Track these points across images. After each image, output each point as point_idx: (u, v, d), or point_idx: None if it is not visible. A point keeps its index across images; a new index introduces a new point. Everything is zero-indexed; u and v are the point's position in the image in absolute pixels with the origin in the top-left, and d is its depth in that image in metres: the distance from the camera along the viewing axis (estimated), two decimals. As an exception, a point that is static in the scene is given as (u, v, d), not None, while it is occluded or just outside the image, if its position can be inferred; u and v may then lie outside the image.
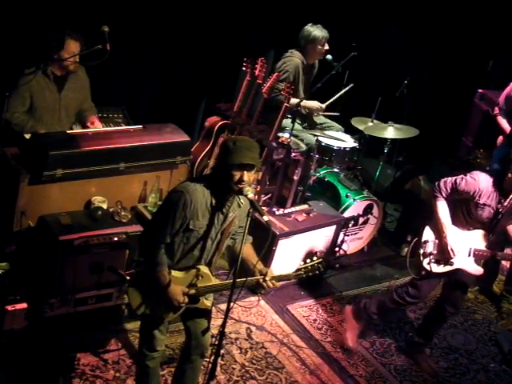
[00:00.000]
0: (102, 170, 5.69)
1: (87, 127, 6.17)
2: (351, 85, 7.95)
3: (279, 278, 4.67)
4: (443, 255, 5.78)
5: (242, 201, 4.52)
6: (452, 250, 5.73)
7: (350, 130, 8.10)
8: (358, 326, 6.24)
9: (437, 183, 5.77)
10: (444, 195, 5.71)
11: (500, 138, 7.80)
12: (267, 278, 4.58)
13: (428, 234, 5.86)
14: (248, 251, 4.67)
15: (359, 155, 8.00)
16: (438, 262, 5.81)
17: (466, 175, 5.71)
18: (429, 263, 5.79)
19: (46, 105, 6.00)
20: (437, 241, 5.81)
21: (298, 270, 4.77)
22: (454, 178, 5.73)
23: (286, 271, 4.80)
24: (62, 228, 5.37)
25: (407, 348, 6.32)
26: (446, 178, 5.76)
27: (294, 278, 4.82)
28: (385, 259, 7.77)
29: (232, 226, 4.57)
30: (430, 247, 5.80)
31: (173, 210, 4.41)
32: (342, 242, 7.30)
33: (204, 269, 4.58)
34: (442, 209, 5.73)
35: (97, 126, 6.17)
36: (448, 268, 5.82)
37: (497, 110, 7.73)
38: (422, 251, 5.82)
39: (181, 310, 4.64)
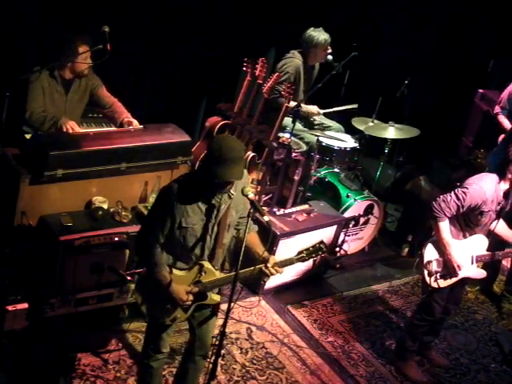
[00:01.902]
0: (103, 170, 5.68)
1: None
2: (356, 105, 7.97)
3: (282, 264, 4.65)
4: (449, 270, 5.75)
5: (232, 191, 4.47)
6: (458, 266, 5.70)
7: (351, 130, 8.10)
8: (411, 363, 6.17)
9: (435, 204, 5.54)
10: (449, 215, 5.55)
11: (502, 137, 7.79)
12: (269, 265, 4.56)
13: (429, 253, 5.77)
14: (253, 240, 4.65)
15: (360, 155, 8.00)
16: (444, 277, 5.77)
17: (466, 188, 5.55)
18: (435, 280, 5.73)
19: (53, 106, 6.02)
20: (440, 258, 5.75)
21: (300, 252, 4.72)
22: (453, 195, 5.53)
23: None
24: (62, 228, 5.37)
25: (418, 348, 6.27)
26: (443, 197, 5.55)
27: (296, 261, 4.73)
28: (385, 259, 7.77)
29: (228, 217, 4.54)
30: (435, 266, 5.73)
31: (160, 210, 4.44)
32: (343, 242, 7.30)
33: (206, 264, 4.57)
34: (446, 229, 5.61)
35: (135, 125, 6.16)
36: (454, 280, 5.81)
37: (498, 109, 7.71)
38: (426, 272, 5.74)
39: (191, 309, 4.64)
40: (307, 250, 4.73)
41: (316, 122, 8.09)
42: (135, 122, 6.16)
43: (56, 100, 6.05)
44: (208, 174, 4.30)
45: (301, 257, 4.72)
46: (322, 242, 4.75)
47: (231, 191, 4.46)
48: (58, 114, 6.00)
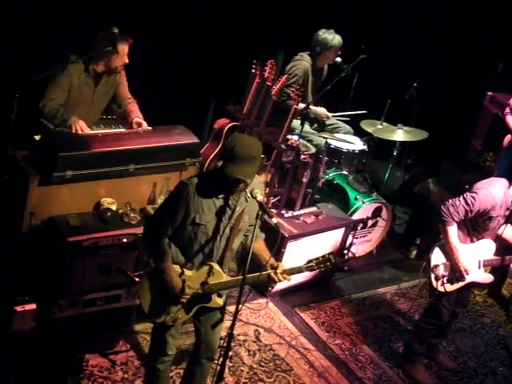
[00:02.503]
0: (112, 171, 5.70)
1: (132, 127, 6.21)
2: (365, 111, 7.97)
3: (290, 271, 4.64)
4: (455, 274, 5.75)
5: (248, 195, 4.48)
6: (466, 270, 5.69)
7: (359, 133, 8.10)
8: (419, 366, 6.15)
9: (444, 208, 5.53)
10: (457, 220, 5.53)
11: (507, 138, 7.77)
12: (278, 271, 4.56)
13: (436, 257, 5.76)
14: (260, 247, 4.65)
15: (368, 158, 8.00)
16: (450, 282, 5.76)
17: (476, 193, 5.53)
18: (442, 285, 5.73)
19: (80, 98, 6.03)
20: (448, 263, 5.73)
21: (309, 261, 4.71)
22: (462, 199, 5.51)
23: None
24: (70, 229, 5.38)
25: (426, 350, 6.25)
26: (452, 202, 5.54)
27: (305, 270, 4.73)
28: (393, 262, 7.76)
29: (241, 222, 4.54)
30: (441, 270, 5.72)
31: (174, 200, 4.45)
32: (351, 244, 7.29)
33: (215, 266, 4.57)
34: (454, 233, 5.59)
35: (144, 127, 6.18)
36: (461, 284, 5.80)
37: (507, 111, 7.70)
38: (433, 276, 5.73)
39: (193, 310, 4.64)
40: (317, 259, 4.72)
41: (327, 123, 8.08)
42: (144, 124, 6.17)
43: (84, 92, 6.04)
44: (220, 170, 4.33)
45: (310, 266, 4.71)
46: (331, 253, 4.75)
47: (248, 194, 4.47)
48: (82, 105, 6.02)
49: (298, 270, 4.73)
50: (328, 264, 4.72)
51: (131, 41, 5.98)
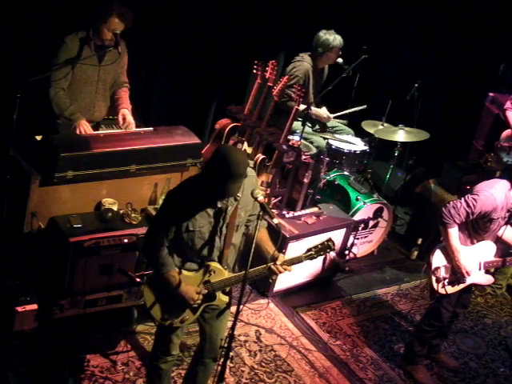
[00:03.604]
0: (113, 171, 5.69)
1: (118, 121, 6.13)
2: (365, 106, 7.98)
3: (291, 262, 4.65)
4: (456, 276, 5.75)
5: (238, 194, 4.47)
6: (467, 272, 5.68)
7: (361, 133, 8.09)
8: (420, 367, 6.14)
9: (445, 210, 5.52)
10: (458, 222, 5.52)
11: (506, 132, 7.77)
12: (278, 263, 4.56)
13: (437, 259, 5.75)
14: (262, 237, 4.65)
15: (369, 158, 7.99)
16: (451, 284, 5.76)
17: (477, 195, 5.52)
18: (443, 287, 5.72)
19: (85, 76, 5.96)
20: (448, 265, 5.73)
21: (309, 250, 4.71)
22: (463, 201, 5.50)
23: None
24: (72, 229, 5.39)
25: (427, 351, 6.25)
26: (453, 204, 5.52)
27: (305, 259, 4.72)
28: (395, 262, 7.76)
29: (237, 218, 4.54)
30: (442, 272, 5.71)
31: (166, 214, 4.48)
32: (352, 245, 7.29)
33: (215, 264, 4.57)
34: (455, 235, 5.58)
35: (129, 121, 6.08)
36: (462, 286, 5.80)
37: (509, 105, 7.70)
38: (434, 278, 5.72)
39: (199, 311, 4.65)
40: (316, 247, 4.71)
41: (328, 125, 8.08)
42: (129, 117, 6.09)
43: (87, 69, 5.91)
44: (211, 185, 4.33)
45: (309, 254, 4.71)
46: (329, 240, 4.73)
47: (237, 193, 4.47)
48: (89, 83, 5.97)
49: (298, 260, 4.72)
50: (328, 250, 4.71)
51: (129, 17, 5.80)
